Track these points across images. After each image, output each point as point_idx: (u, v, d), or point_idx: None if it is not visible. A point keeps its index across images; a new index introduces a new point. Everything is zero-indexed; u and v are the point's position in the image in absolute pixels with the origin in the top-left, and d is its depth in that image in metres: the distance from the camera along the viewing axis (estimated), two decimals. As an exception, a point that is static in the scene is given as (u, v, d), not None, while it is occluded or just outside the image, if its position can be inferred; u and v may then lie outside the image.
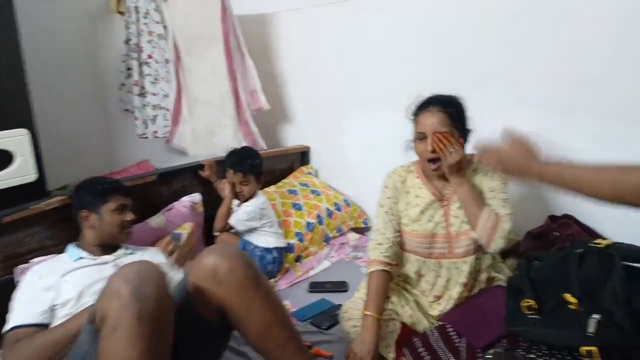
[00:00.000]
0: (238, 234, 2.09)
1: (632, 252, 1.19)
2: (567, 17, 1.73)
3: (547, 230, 1.66)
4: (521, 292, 1.33)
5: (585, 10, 1.68)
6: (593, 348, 1.10)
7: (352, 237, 2.45)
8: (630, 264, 1.15)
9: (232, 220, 2.03)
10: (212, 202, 2.12)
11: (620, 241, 1.31)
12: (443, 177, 1.52)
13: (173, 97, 2.73)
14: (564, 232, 1.60)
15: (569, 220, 1.65)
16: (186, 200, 2.12)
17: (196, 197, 2.17)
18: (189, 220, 2.05)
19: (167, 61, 2.82)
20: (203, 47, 2.56)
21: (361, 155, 2.53)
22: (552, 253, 1.41)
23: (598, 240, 1.27)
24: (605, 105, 1.68)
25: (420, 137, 1.47)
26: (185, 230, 1.98)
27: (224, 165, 2.09)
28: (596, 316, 1.12)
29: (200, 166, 2.20)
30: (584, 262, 1.22)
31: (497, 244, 1.43)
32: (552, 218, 1.73)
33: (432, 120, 1.44)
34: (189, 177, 2.22)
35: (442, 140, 1.42)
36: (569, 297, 1.18)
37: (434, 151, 1.44)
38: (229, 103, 2.55)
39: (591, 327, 1.12)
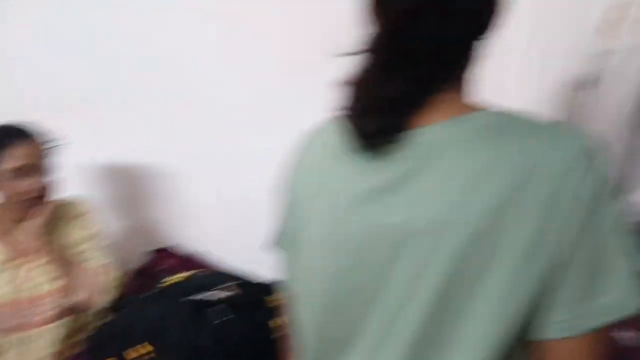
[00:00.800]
0: None
1: (195, 285, 1.22)
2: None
3: (149, 266, 1.62)
4: (101, 348, 1.21)
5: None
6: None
7: None
8: (195, 297, 1.17)
9: None
10: None
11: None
12: (24, 229, 1.29)
13: None
14: (162, 266, 1.58)
15: (167, 253, 1.65)
16: None
17: None
18: None
19: None
20: None
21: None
22: (133, 298, 1.34)
23: (170, 278, 1.26)
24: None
25: (18, 172, 1.21)
26: None
27: None
28: (166, 362, 1.09)
29: None
30: (152, 304, 1.18)
31: (102, 299, 1.31)
32: (153, 251, 1.69)
33: (34, 151, 1.23)
34: None
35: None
36: (141, 348, 1.12)
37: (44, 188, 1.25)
38: None
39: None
